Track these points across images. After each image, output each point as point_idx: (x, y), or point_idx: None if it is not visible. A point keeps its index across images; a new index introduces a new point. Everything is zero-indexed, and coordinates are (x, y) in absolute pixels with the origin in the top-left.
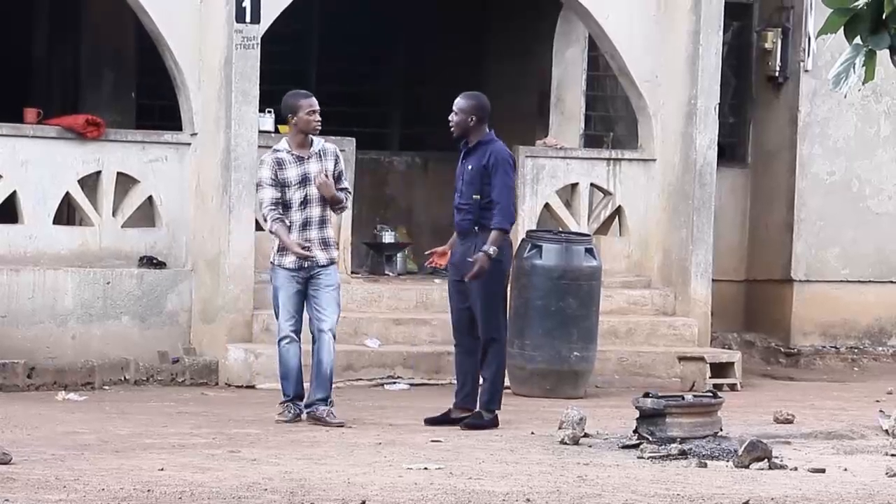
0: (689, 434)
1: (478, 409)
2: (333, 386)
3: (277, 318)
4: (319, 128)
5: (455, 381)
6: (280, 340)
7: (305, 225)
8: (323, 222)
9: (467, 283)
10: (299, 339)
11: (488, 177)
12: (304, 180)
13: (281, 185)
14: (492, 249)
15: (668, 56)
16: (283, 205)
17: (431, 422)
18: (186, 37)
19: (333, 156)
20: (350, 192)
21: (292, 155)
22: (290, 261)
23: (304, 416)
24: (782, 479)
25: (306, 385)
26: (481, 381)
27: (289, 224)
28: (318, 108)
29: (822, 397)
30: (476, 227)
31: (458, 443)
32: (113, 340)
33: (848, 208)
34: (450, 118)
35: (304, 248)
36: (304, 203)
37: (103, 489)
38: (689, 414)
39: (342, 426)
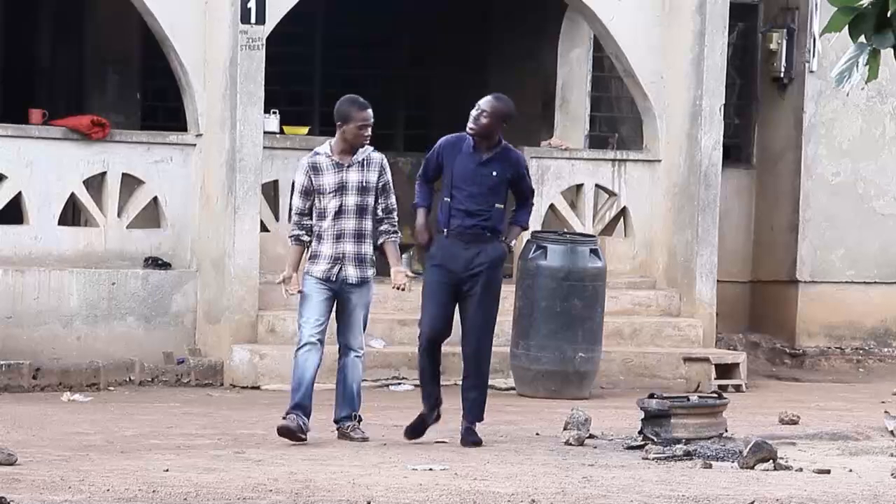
0: (694, 435)
1: (468, 424)
2: (361, 402)
3: (299, 324)
4: (367, 143)
5: (424, 387)
6: (299, 349)
7: (339, 237)
8: (360, 236)
9: (473, 290)
10: (322, 346)
11: (511, 185)
12: (341, 188)
13: (317, 192)
14: (513, 243)
15: (673, 57)
16: (319, 213)
17: (412, 432)
18: (191, 38)
19: (378, 167)
20: (394, 209)
21: (332, 160)
22: (319, 269)
23: (307, 431)
24: (787, 480)
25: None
26: (469, 394)
27: (321, 232)
28: (371, 121)
29: (828, 398)
30: (489, 234)
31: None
32: (118, 341)
33: (853, 209)
34: (476, 116)
35: (286, 283)
36: (339, 213)
37: (108, 490)
38: (694, 415)
39: (366, 440)
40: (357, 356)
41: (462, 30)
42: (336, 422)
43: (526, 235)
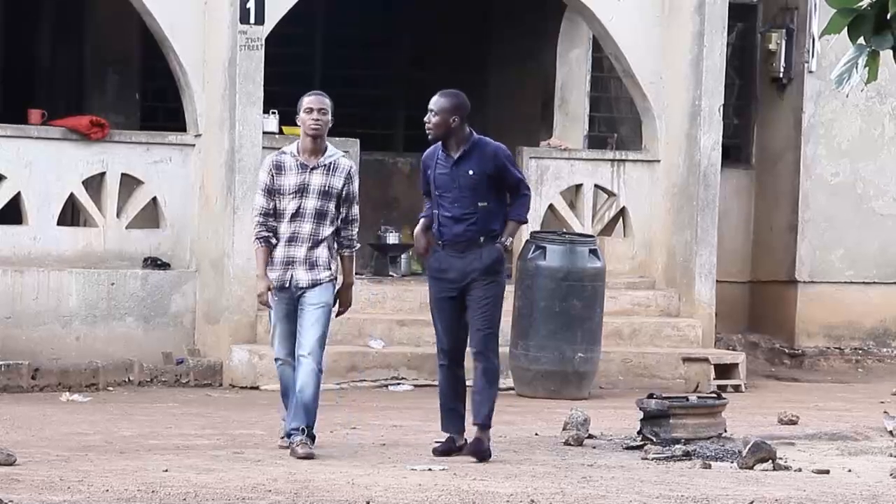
0: (693, 435)
1: (476, 425)
2: (317, 416)
3: (271, 339)
4: (317, 130)
5: (445, 405)
6: (276, 359)
7: (292, 240)
8: (314, 241)
9: (474, 297)
10: (293, 359)
11: (495, 180)
12: (302, 190)
13: (277, 192)
14: (510, 241)
15: (672, 57)
16: (277, 215)
17: (441, 452)
18: (191, 38)
19: (344, 174)
20: (355, 220)
21: (297, 160)
22: (274, 276)
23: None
24: (786, 481)
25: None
26: (475, 396)
27: (278, 236)
28: (320, 107)
29: (827, 398)
30: (482, 238)
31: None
32: (117, 341)
33: (852, 209)
34: (427, 119)
35: (263, 294)
36: (296, 216)
37: (107, 490)
38: (693, 415)
39: (309, 458)
40: (314, 368)
41: (462, 30)
42: (287, 433)
43: (525, 235)
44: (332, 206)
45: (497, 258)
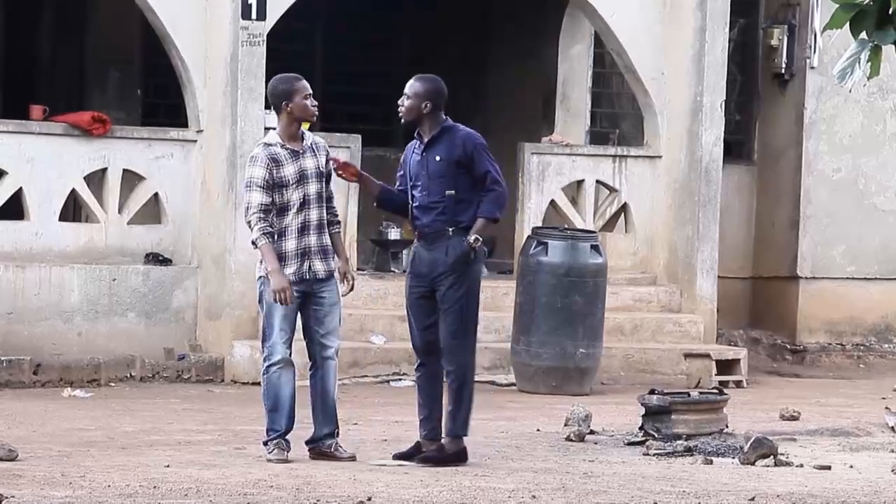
0: (694, 431)
1: (445, 434)
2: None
3: (267, 339)
4: (317, 113)
5: (420, 410)
6: (270, 366)
7: (303, 230)
8: (321, 227)
9: (440, 295)
10: (293, 362)
11: (465, 168)
12: (302, 178)
13: (278, 185)
14: (474, 238)
15: (674, 53)
16: (280, 208)
17: (401, 456)
18: (192, 34)
19: (325, 151)
20: (333, 195)
21: (287, 149)
22: (289, 272)
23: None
24: (788, 476)
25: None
26: (450, 406)
27: (283, 229)
28: (311, 91)
29: (828, 394)
30: (451, 230)
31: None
32: (119, 337)
33: (854, 205)
34: (400, 102)
35: (287, 289)
36: (303, 205)
37: (109, 486)
38: (694, 411)
39: (354, 459)
40: (334, 362)
41: (462, 30)
42: (314, 441)
43: (527, 231)
44: (325, 186)
45: (463, 254)
